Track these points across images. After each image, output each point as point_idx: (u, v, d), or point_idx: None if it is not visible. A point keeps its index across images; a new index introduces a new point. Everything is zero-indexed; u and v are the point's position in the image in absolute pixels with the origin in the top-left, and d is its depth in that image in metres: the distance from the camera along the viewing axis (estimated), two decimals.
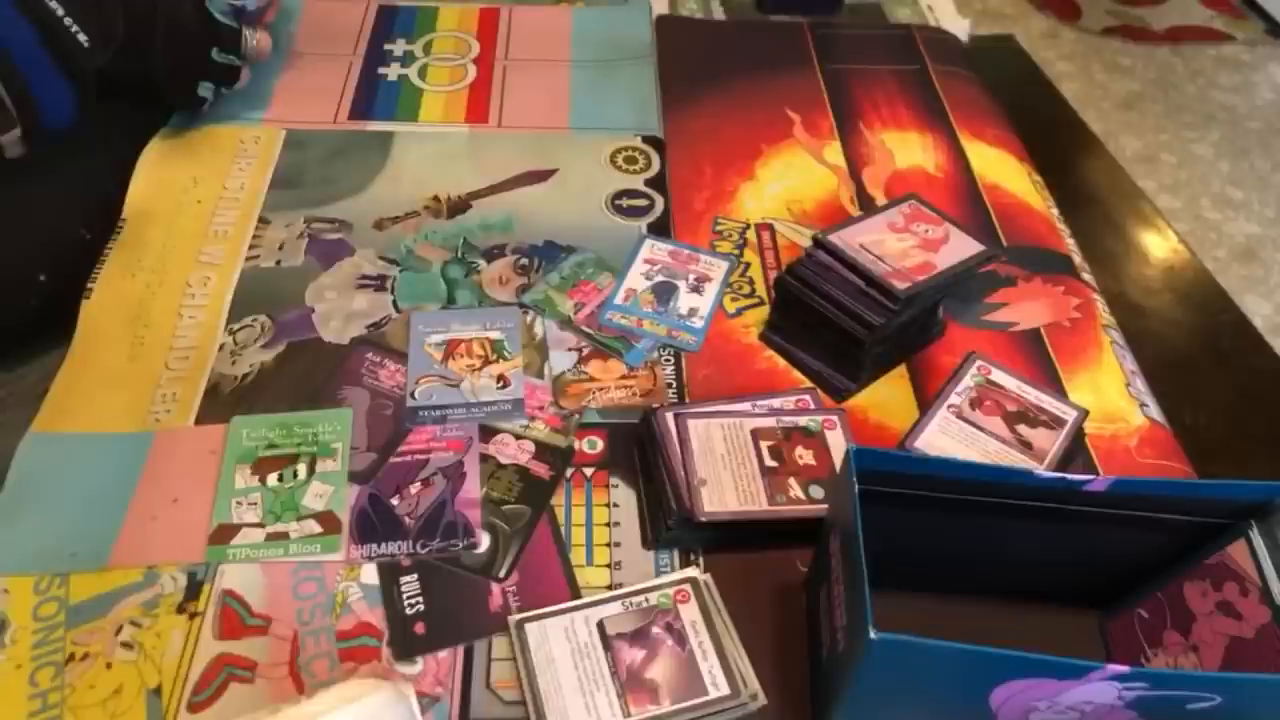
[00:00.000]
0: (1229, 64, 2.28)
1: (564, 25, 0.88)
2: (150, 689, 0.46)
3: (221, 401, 0.58)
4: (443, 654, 0.48)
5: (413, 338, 0.62)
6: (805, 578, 0.51)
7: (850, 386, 0.60)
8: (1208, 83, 2.22)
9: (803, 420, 0.56)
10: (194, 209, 0.69)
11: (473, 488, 0.54)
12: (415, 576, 0.50)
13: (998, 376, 0.58)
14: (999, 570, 0.48)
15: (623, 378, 0.60)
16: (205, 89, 0.71)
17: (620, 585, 0.50)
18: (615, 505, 0.54)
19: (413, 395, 0.58)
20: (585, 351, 0.62)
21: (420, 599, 0.49)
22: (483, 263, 0.67)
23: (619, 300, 0.64)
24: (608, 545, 0.52)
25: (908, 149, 0.78)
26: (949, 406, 0.57)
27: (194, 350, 0.60)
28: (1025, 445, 0.55)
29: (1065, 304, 0.66)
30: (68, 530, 0.51)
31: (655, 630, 0.47)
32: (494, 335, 0.62)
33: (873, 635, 0.36)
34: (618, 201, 0.72)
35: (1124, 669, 0.36)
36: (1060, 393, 0.60)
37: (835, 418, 0.56)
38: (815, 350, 0.61)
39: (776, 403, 0.57)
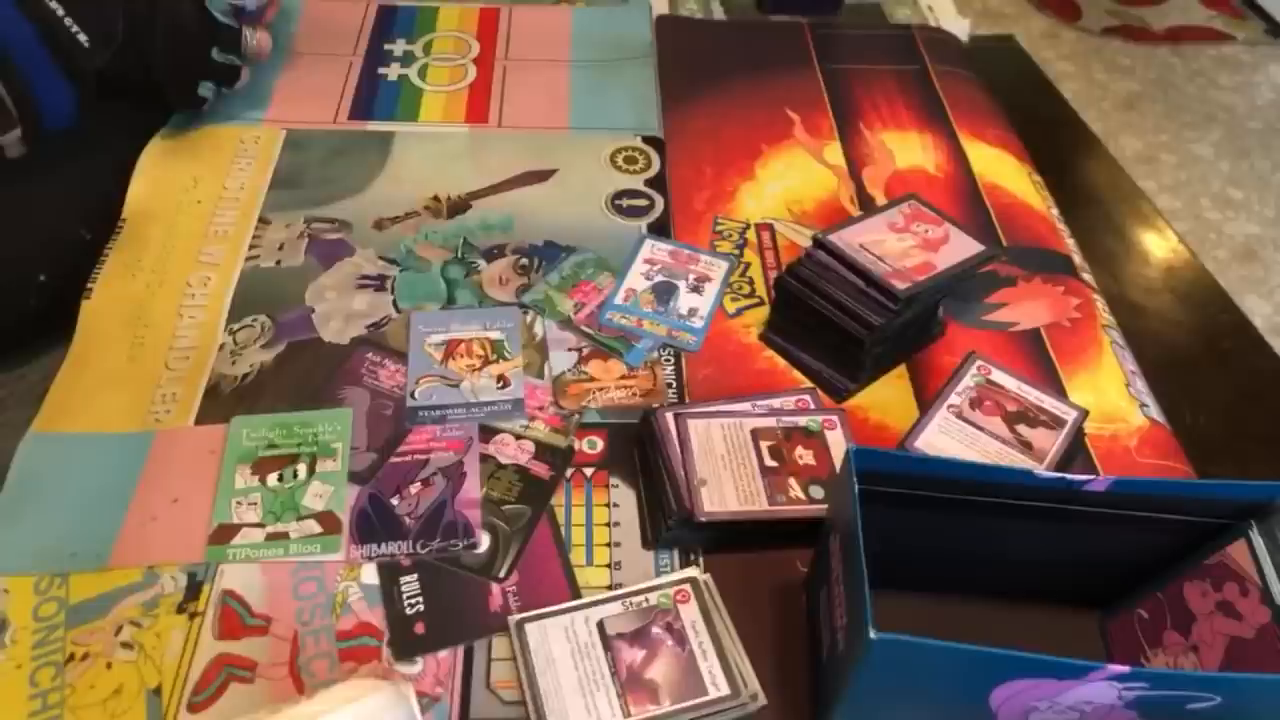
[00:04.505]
0: (1229, 64, 2.28)
1: (564, 25, 0.88)
2: (150, 689, 0.46)
3: (221, 401, 0.58)
4: (443, 654, 0.48)
5: (413, 338, 0.62)
6: (805, 578, 0.51)
7: (850, 386, 0.60)
8: (1208, 83, 2.21)
9: (803, 420, 0.56)
10: (194, 209, 0.69)
11: (473, 488, 0.54)
12: (415, 576, 0.50)
13: (998, 376, 0.58)
14: (999, 570, 0.48)
15: (623, 378, 0.60)
16: (205, 89, 0.71)
17: (620, 585, 0.50)
18: (615, 505, 0.54)
19: (413, 395, 0.58)
20: (585, 351, 0.62)
21: (420, 599, 0.49)
22: (483, 263, 0.67)
23: (619, 300, 0.64)
24: (608, 545, 0.52)
25: (908, 149, 0.78)
26: (949, 406, 0.57)
27: (194, 350, 0.60)
28: (1025, 445, 0.55)
29: (1065, 304, 0.66)
30: (68, 530, 0.51)
31: (655, 630, 0.47)
32: (494, 335, 0.62)
33: (873, 635, 0.36)
34: (618, 201, 0.72)
35: (1124, 669, 0.36)
36: (1060, 393, 0.60)
37: (835, 418, 0.56)
38: (815, 350, 0.61)
39: (776, 403, 0.57)
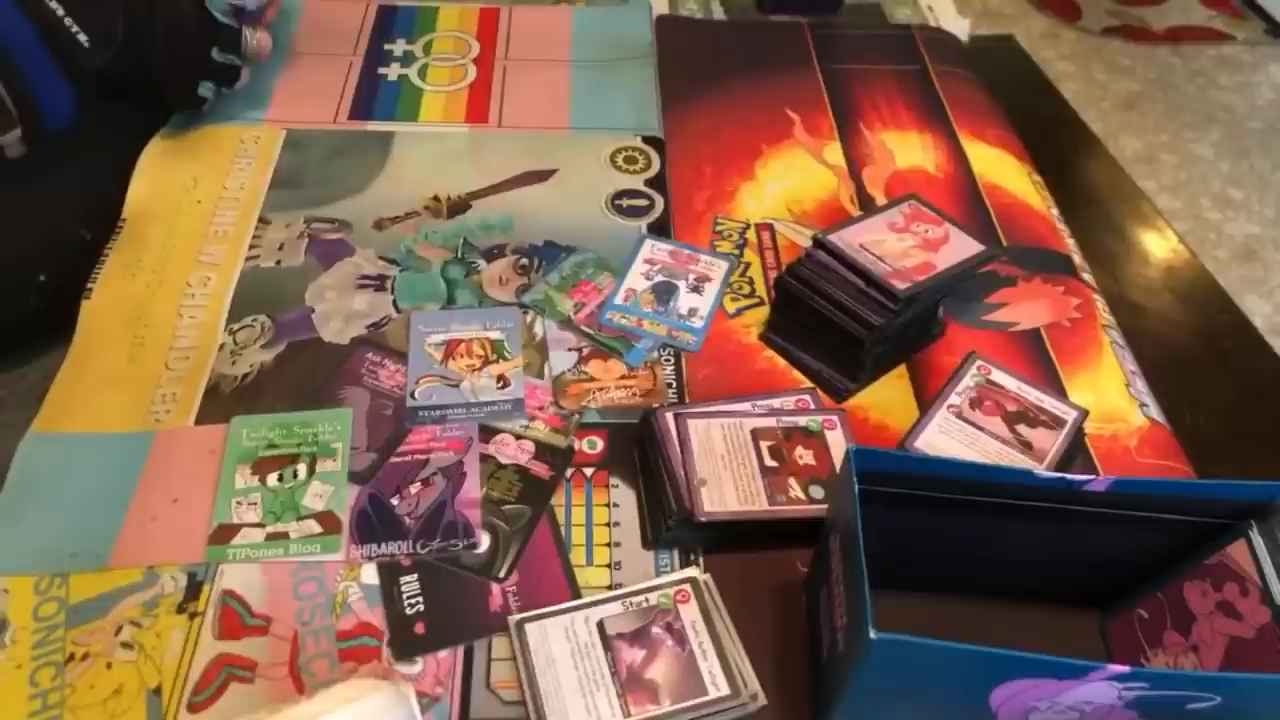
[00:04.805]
0: (1229, 64, 2.28)
1: (564, 25, 0.88)
2: (150, 689, 0.46)
3: (221, 401, 0.58)
4: (443, 654, 0.48)
5: (413, 338, 0.62)
6: (805, 578, 0.51)
7: (850, 386, 0.60)
8: (1208, 83, 2.21)
9: (803, 420, 0.56)
10: (194, 209, 0.69)
11: (473, 488, 0.54)
12: (415, 576, 0.50)
13: (998, 376, 0.58)
14: (999, 570, 0.48)
15: (623, 378, 0.60)
16: (205, 89, 0.71)
17: (620, 585, 0.50)
18: (615, 505, 0.54)
19: (413, 395, 0.58)
20: (585, 351, 0.62)
21: (420, 599, 0.49)
22: (483, 263, 0.67)
23: (619, 300, 0.64)
24: (608, 545, 0.52)
25: (908, 149, 0.78)
26: (949, 406, 0.57)
27: (194, 350, 0.60)
28: (1025, 445, 0.55)
29: (1065, 304, 0.66)
30: (68, 530, 0.51)
31: (655, 630, 0.47)
32: (494, 335, 0.62)
33: (873, 635, 0.36)
34: (618, 201, 0.72)
35: (1124, 669, 0.36)
36: (1060, 393, 0.60)
37: (835, 418, 0.56)
38: (815, 350, 0.61)
39: (776, 403, 0.57)
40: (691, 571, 0.50)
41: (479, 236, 0.69)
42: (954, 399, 0.57)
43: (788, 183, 0.75)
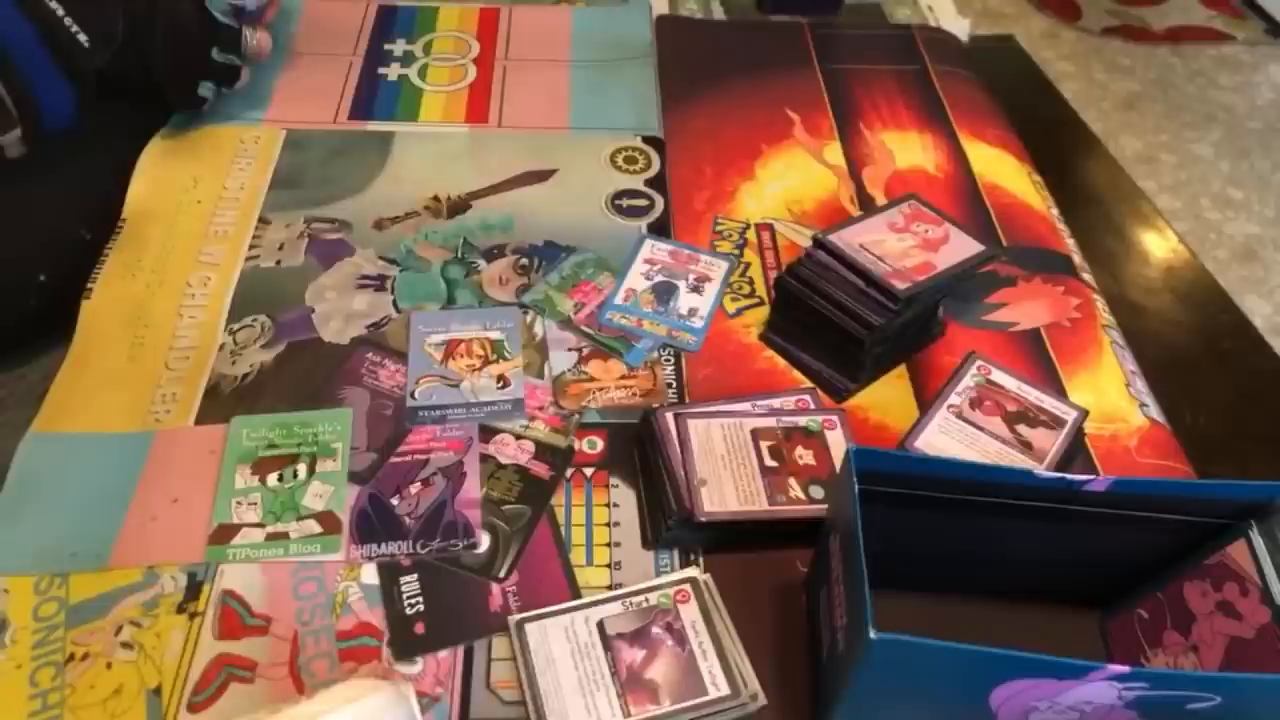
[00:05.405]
0: (1229, 64, 2.28)
1: (564, 25, 0.88)
2: (150, 689, 0.46)
3: (221, 401, 0.58)
4: (443, 654, 0.48)
5: (413, 338, 0.62)
6: (805, 578, 0.51)
7: (850, 386, 0.60)
8: (1208, 83, 2.21)
9: (803, 420, 0.56)
10: (194, 209, 0.69)
11: (473, 488, 0.54)
12: (415, 576, 0.50)
13: (998, 376, 0.58)
14: (999, 570, 0.48)
15: (623, 378, 0.60)
16: (205, 89, 0.71)
17: (620, 585, 0.50)
18: (615, 505, 0.54)
19: (413, 395, 0.58)
20: (585, 351, 0.62)
21: (420, 599, 0.49)
22: (483, 263, 0.67)
23: (619, 300, 0.64)
24: (608, 545, 0.52)
25: (908, 149, 0.78)
26: (949, 406, 0.57)
27: (194, 350, 0.60)
28: (1025, 445, 0.55)
29: (1065, 304, 0.66)
30: (68, 530, 0.51)
31: (655, 630, 0.47)
32: (494, 335, 0.62)
33: (873, 635, 0.36)
34: (618, 201, 0.72)
35: (1124, 669, 0.36)
36: (1060, 393, 0.60)
37: (835, 418, 0.56)
38: (815, 350, 0.61)
39: (776, 403, 0.57)
40: (691, 571, 0.50)
41: (479, 236, 0.69)
42: (954, 399, 0.57)
43: (788, 183, 0.75)
